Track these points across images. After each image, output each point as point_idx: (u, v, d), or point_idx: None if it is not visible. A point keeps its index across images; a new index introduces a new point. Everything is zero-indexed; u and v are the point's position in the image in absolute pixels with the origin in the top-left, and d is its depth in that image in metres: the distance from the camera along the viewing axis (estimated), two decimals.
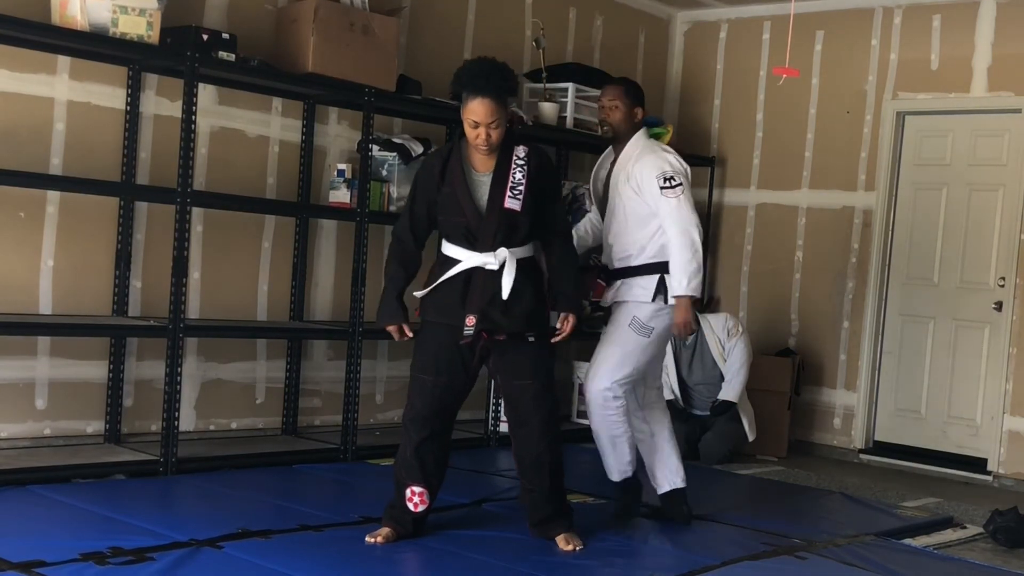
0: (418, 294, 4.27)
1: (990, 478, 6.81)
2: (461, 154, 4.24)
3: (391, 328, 4.29)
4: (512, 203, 4.15)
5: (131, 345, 5.53)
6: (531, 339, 4.23)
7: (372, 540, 4.19)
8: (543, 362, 4.28)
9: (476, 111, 4.08)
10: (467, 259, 4.18)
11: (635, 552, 4.34)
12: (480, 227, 4.15)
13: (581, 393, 6.93)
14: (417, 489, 4.24)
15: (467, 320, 4.13)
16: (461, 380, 4.28)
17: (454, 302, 4.18)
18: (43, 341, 5.25)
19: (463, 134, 4.24)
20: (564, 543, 4.26)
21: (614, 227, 4.81)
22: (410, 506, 4.25)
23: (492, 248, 4.16)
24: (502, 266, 4.15)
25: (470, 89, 4.09)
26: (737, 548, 4.55)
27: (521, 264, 4.19)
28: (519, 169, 4.18)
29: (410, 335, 4.27)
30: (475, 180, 4.21)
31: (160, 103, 5.57)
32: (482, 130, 4.10)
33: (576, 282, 4.38)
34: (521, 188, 4.16)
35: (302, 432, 6.19)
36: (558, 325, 4.31)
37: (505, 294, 4.12)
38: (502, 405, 6.71)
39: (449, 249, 4.25)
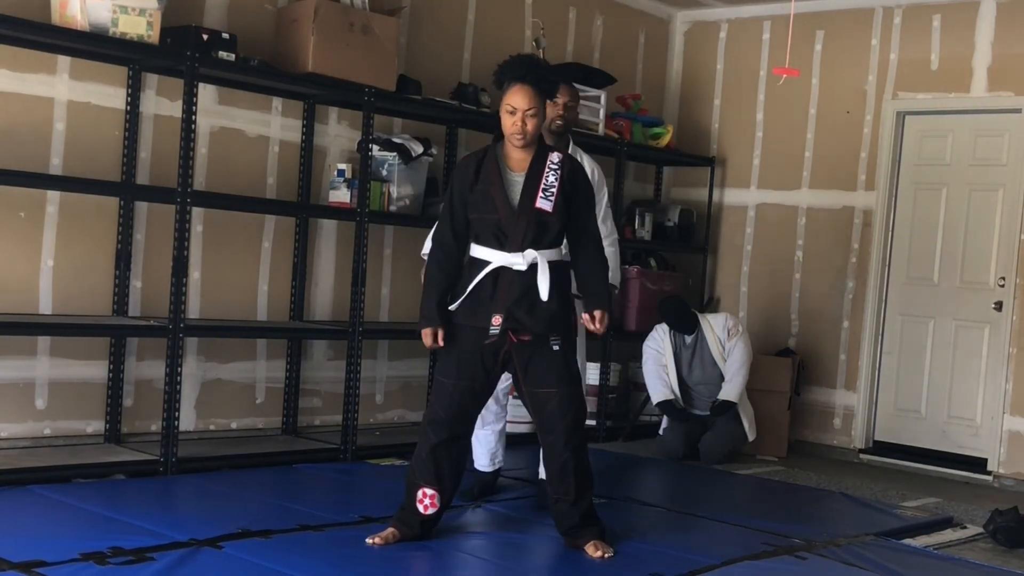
0: (453, 308, 4.26)
1: (990, 478, 6.81)
2: (496, 154, 4.28)
3: (426, 332, 4.26)
4: (544, 203, 4.18)
5: (131, 345, 5.53)
6: (556, 347, 4.22)
7: (371, 542, 4.18)
8: (568, 369, 4.26)
9: (514, 97, 4.15)
10: (495, 259, 4.19)
11: (635, 552, 4.34)
12: (511, 225, 4.17)
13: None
14: (429, 491, 4.22)
15: (493, 319, 4.14)
16: (481, 384, 4.27)
17: (481, 303, 4.19)
18: (43, 341, 5.25)
19: (498, 137, 4.30)
20: (593, 550, 4.22)
21: None
22: (420, 507, 4.23)
23: (521, 248, 4.17)
24: (530, 267, 4.16)
25: (510, 77, 4.18)
26: (737, 548, 4.55)
27: (550, 266, 4.20)
28: (552, 172, 4.22)
29: (441, 344, 4.25)
30: (509, 179, 4.24)
31: (160, 103, 5.57)
32: (519, 117, 4.14)
33: (604, 281, 4.32)
34: (554, 190, 4.19)
35: (302, 432, 6.19)
36: (588, 323, 4.27)
37: (544, 295, 4.14)
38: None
39: (478, 251, 4.25)
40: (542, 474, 4.97)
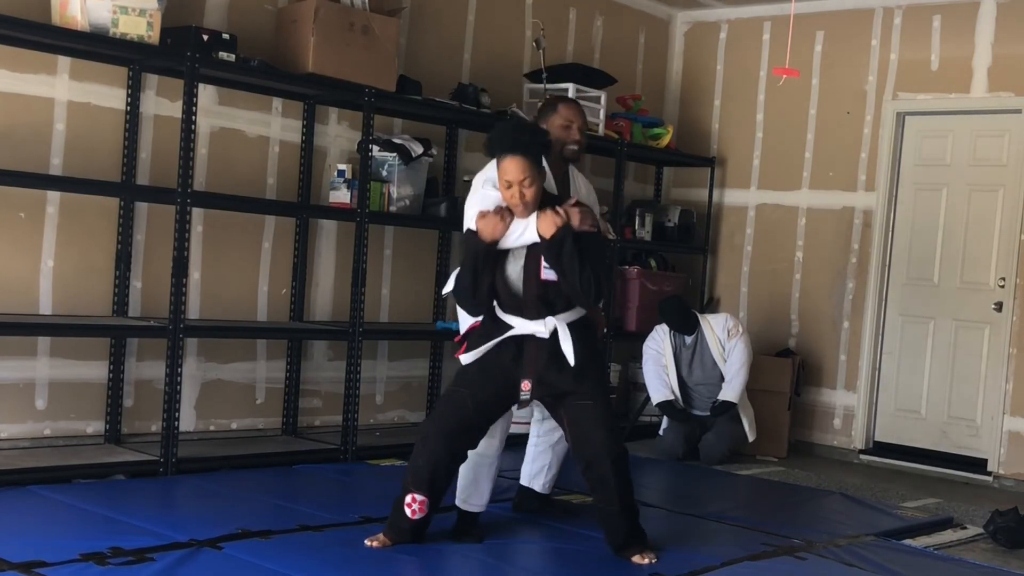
0: (464, 359, 4.25)
1: (990, 478, 6.81)
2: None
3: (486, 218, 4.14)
4: (548, 273, 4.16)
5: (131, 345, 5.53)
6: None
7: (370, 544, 4.19)
8: (599, 380, 4.26)
9: (507, 169, 4.08)
10: (517, 325, 4.20)
11: None
12: (521, 298, 4.18)
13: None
14: (419, 497, 4.20)
15: (523, 385, 4.17)
16: (500, 400, 4.27)
17: (506, 360, 4.19)
18: (43, 341, 5.25)
19: None
20: (640, 559, 4.23)
21: None
22: (407, 511, 4.21)
23: (540, 316, 4.17)
24: (553, 333, 4.16)
25: (500, 149, 4.10)
26: (737, 548, 4.55)
27: (573, 326, 4.19)
28: None
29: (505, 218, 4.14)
30: (514, 248, 4.19)
31: (160, 103, 5.57)
32: (516, 189, 4.09)
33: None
34: None
35: (302, 432, 6.19)
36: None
37: (571, 360, 4.13)
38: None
39: (501, 313, 4.25)
40: (523, 480, 4.93)
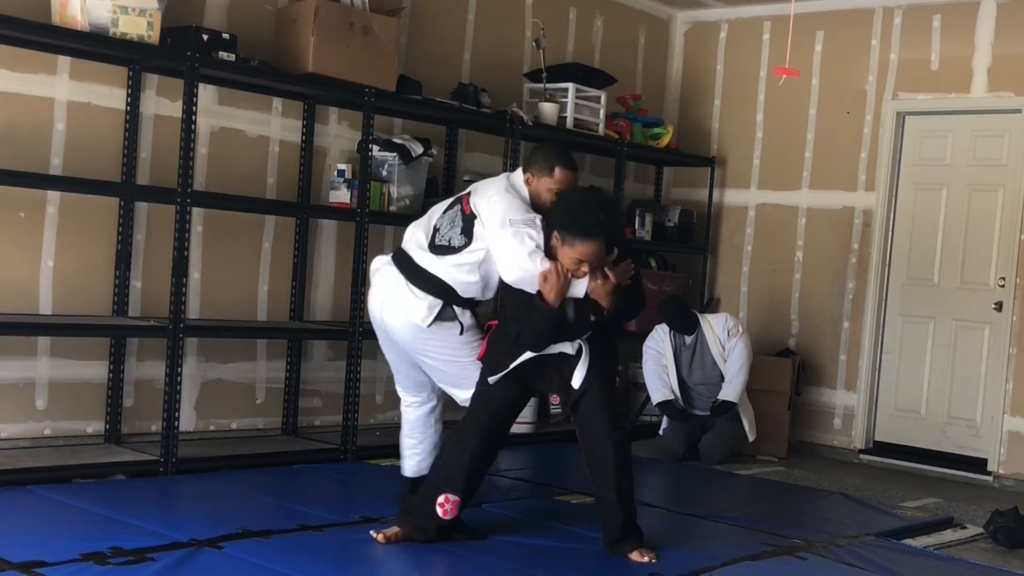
0: (492, 379, 4.28)
1: (990, 478, 6.81)
2: None
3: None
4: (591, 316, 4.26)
5: (131, 345, 5.53)
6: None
7: (375, 535, 4.18)
8: (603, 367, 4.30)
9: (583, 251, 4.11)
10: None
11: None
12: (564, 334, 4.25)
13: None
14: (452, 497, 4.20)
15: (552, 399, 4.26)
16: (524, 395, 4.35)
17: (529, 367, 4.26)
18: (43, 341, 5.25)
19: None
20: (638, 556, 4.25)
21: None
22: (439, 511, 4.20)
23: (571, 340, 4.26)
24: (577, 350, 4.25)
25: (583, 233, 4.10)
26: (737, 548, 4.55)
27: (591, 337, 4.29)
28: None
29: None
30: None
31: (160, 103, 5.57)
32: (585, 267, 4.15)
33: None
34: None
35: (302, 432, 6.19)
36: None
37: (576, 384, 4.21)
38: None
39: None
40: (407, 471, 4.78)
